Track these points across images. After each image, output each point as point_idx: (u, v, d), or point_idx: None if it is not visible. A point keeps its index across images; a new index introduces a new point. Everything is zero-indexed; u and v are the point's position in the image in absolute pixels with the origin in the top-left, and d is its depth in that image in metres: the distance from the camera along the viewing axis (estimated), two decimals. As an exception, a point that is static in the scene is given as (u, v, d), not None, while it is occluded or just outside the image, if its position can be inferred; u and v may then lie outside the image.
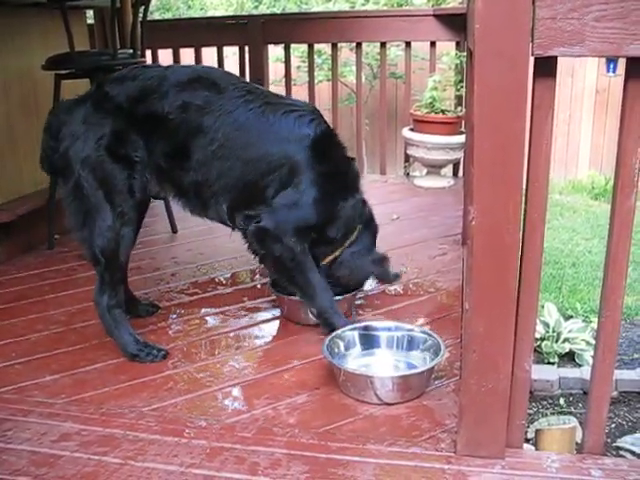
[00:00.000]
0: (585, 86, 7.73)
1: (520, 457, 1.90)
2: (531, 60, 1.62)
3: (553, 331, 4.07)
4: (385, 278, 2.82)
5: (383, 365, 2.41)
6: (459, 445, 1.91)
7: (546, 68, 1.65)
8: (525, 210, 1.74)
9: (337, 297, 2.70)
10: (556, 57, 1.63)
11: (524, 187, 1.72)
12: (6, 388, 2.34)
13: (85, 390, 2.32)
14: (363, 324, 2.54)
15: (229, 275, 3.37)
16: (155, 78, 2.51)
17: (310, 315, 2.69)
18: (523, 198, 1.72)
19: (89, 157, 2.41)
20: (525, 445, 2.04)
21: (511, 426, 1.89)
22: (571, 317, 4.41)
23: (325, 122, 2.64)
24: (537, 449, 2.58)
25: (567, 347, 4.02)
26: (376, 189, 4.80)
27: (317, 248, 2.65)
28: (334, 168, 2.60)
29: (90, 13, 4.98)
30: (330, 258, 2.71)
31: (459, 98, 5.08)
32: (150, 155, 2.50)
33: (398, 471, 1.87)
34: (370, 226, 2.77)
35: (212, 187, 2.54)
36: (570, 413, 3.49)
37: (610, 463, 1.89)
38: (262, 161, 2.51)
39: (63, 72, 3.58)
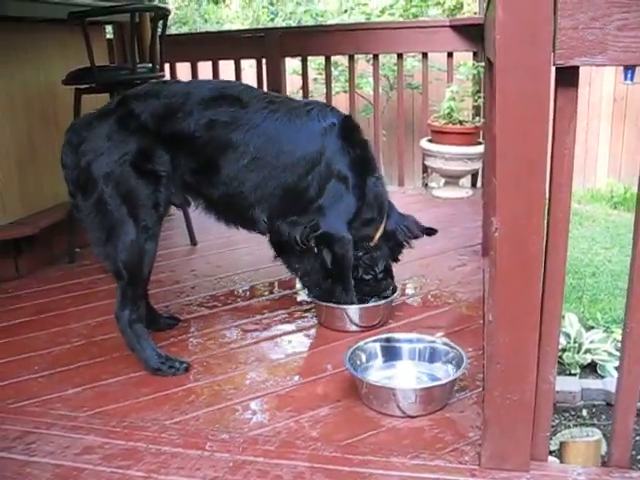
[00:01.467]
0: (602, 94, 7.68)
1: (545, 470, 1.88)
2: (552, 70, 1.62)
3: (574, 342, 4.02)
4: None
5: (405, 377, 2.40)
6: (483, 458, 1.89)
7: (568, 78, 1.64)
8: (548, 220, 1.73)
9: (378, 302, 2.88)
10: (578, 67, 1.62)
11: (547, 197, 1.71)
12: (30, 401, 2.35)
13: (107, 403, 2.33)
14: (385, 336, 2.53)
15: (248, 287, 3.38)
16: (179, 95, 2.54)
17: (349, 323, 2.79)
18: (546, 209, 1.71)
19: (113, 172, 2.42)
20: (549, 458, 2.02)
21: (536, 438, 1.87)
22: (592, 327, 4.36)
23: (338, 110, 2.83)
24: (562, 462, 2.55)
25: (589, 358, 3.97)
26: (395, 200, 4.70)
27: (361, 231, 2.84)
28: (361, 149, 2.76)
29: (109, 28, 5.03)
30: (379, 235, 2.89)
31: (477, 108, 5.07)
32: (175, 170, 2.53)
33: (422, 484, 1.86)
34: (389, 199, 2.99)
35: (248, 199, 2.62)
36: (593, 425, 3.45)
37: (637, 476, 1.86)
38: (299, 164, 2.62)
39: (83, 87, 3.61)
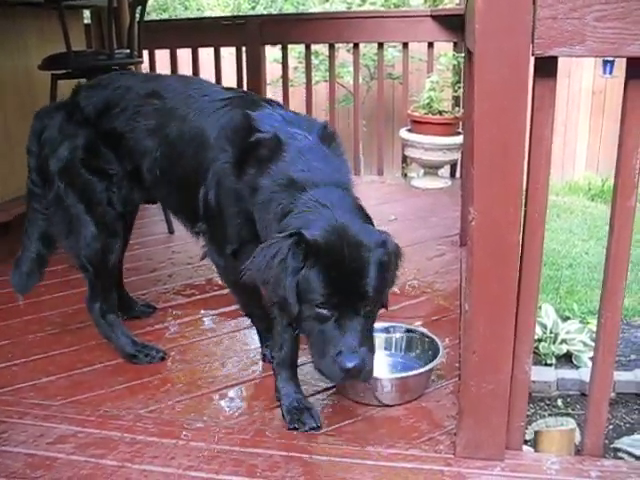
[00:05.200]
0: (582, 87, 7.73)
1: (520, 459, 1.89)
2: (531, 60, 1.62)
3: (550, 332, 4.06)
4: None
5: (382, 367, 2.39)
6: (458, 447, 1.90)
7: (547, 68, 1.65)
8: (525, 211, 1.73)
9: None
10: (557, 57, 1.62)
11: (524, 188, 1.71)
12: (2, 390, 2.33)
13: (82, 392, 2.30)
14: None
15: (226, 276, 3.35)
16: (121, 89, 2.38)
17: None
18: (523, 199, 1.71)
19: (66, 169, 2.37)
20: (524, 447, 2.03)
21: (510, 428, 1.88)
22: (568, 318, 4.40)
23: (241, 106, 2.17)
24: (536, 450, 2.57)
25: (564, 348, 4.00)
26: (374, 190, 4.80)
27: None
28: (239, 149, 2.10)
29: (87, 13, 4.96)
30: None
31: (456, 99, 5.08)
32: (125, 168, 2.40)
33: (397, 473, 1.86)
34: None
35: (172, 206, 2.51)
36: (568, 415, 3.48)
37: (610, 465, 1.89)
38: (192, 173, 2.22)
39: (60, 72, 3.56)
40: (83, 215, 2.38)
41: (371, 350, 1.84)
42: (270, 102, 2.23)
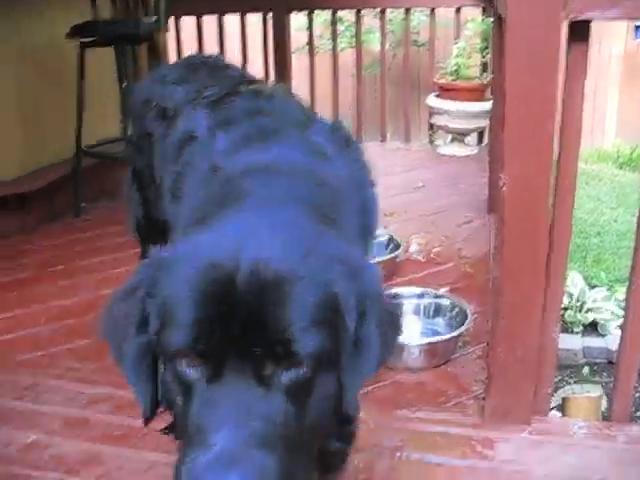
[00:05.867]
0: (612, 53, 7.57)
1: (547, 423, 1.92)
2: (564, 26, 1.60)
3: (577, 300, 4.04)
4: None
5: (410, 332, 2.41)
6: (486, 412, 1.93)
7: (579, 33, 1.63)
8: (556, 178, 1.73)
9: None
10: (589, 22, 1.60)
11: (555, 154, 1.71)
12: (38, 353, 2.39)
13: (115, 355, 2.35)
14: (390, 292, 2.54)
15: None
16: (163, 84, 1.94)
17: None
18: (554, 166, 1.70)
19: (126, 152, 2.26)
20: (551, 412, 2.05)
21: (538, 394, 1.90)
22: (595, 286, 4.37)
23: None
24: (564, 416, 2.58)
25: (591, 317, 3.98)
26: (400, 157, 4.78)
27: None
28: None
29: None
30: None
31: (484, 65, 5.01)
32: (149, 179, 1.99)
33: (425, 437, 1.89)
34: None
35: None
36: (594, 382, 3.48)
37: (637, 430, 1.90)
38: None
39: (87, 40, 3.56)
40: (135, 196, 2.12)
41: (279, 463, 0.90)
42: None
